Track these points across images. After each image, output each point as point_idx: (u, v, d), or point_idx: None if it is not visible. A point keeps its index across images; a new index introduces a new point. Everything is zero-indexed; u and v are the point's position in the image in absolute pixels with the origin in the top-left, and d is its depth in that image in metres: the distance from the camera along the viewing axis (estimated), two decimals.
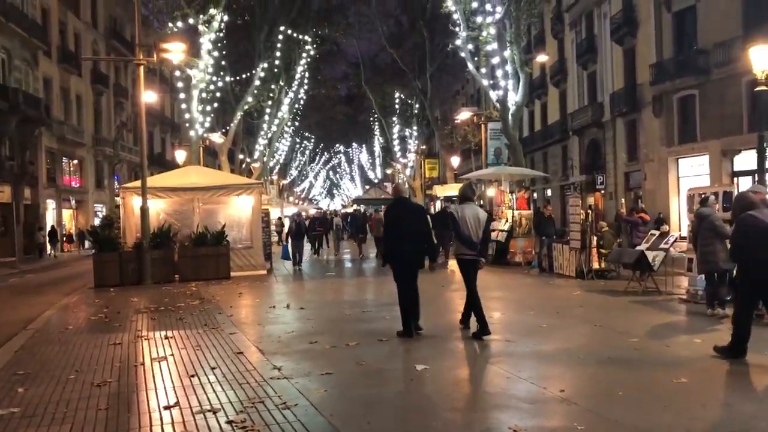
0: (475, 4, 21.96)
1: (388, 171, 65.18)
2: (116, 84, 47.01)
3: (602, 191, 29.05)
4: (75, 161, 40.83)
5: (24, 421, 5.38)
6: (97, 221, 36.04)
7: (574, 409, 5.34)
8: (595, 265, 14.78)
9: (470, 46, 23.33)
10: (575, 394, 5.75)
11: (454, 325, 9.21)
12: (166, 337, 8.82)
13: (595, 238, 14.89)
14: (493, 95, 23.04)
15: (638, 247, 13.18)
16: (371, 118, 50.44)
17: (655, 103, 28.73)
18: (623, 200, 23.17)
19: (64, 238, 37.44)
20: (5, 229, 30.77)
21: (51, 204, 37.25)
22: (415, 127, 43.85)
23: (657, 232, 13.53)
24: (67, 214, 39.98)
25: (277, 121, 36.48)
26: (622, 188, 32.21)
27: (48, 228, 34.99)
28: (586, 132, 36.02)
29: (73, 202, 40.73)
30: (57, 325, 10.53)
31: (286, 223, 29.14)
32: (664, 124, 28.40)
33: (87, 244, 36.67)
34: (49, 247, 34.05)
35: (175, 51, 19.80)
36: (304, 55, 33.96)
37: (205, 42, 25.12)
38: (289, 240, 21.62)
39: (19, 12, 32.61)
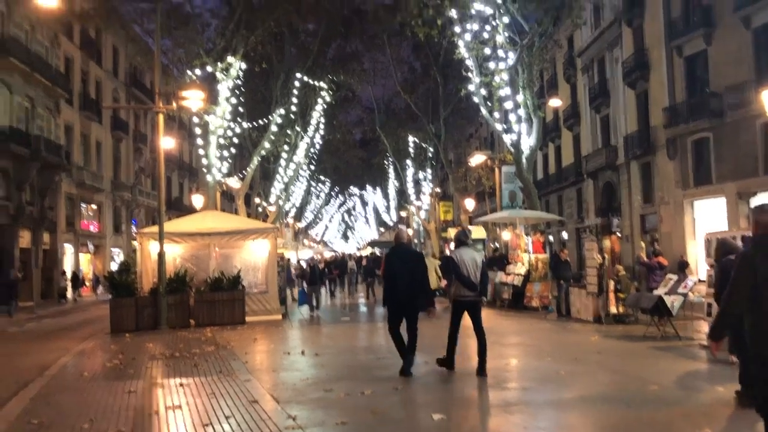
0: (487, 51, 22.27)
1: (403, 214, 65.28)
2: (135, 130, 47.89)
3: (618, 234, 28.91)
4: (93, 206, 41.37)
5: None
6: (114, 266, 36.38)
7: None
8: (613, 310, 14.59)
9: (483, 91, 23.59)
10: None
11: (470, 371, 9.11)
12: (181, 385, 8.79)
13: (612, 282, 14.76)
14: (507, 139, 23.17)
15: (656, 292, 13.04)
16: (386, 162, 50.76)
17: (670, 146, 28.77)
18: (643, 244, 23.00)
19: (84, 284, 37.71)
20: (24, 273, 31.03)
21: (69, 249, 37.63)
22: (429, 170, 44.07)
23: (675, 277, 13.39)
24: (85, 258, 40.33)
25: (293, 166, 36.84)
26: (638, 231, 32.03)
27: (69, 273, 35.34)
28: (600, 175, 36.03)
29: (91, 247, 41.12)
30: (73, 372, 10.54)
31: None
32: (679, 167, 28.37)
33: (100, 288, 36.92)
34: (70, 291, 34.32)
35: (193, 99, 20.17)
36: (320, 101, 34.47)
37: (223, 89, 25.60)
38: (304, 285, 21.42)
39: (44, 62, 33.53)
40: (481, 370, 8.72)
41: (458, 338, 9.15)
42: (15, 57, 30.19)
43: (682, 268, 17.70)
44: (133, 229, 44.47)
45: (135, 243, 27.68)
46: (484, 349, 8.83)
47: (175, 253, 17.63)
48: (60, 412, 7.55)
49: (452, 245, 10.59)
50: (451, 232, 33.82)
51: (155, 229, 17.72)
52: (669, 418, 6.52)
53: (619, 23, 33.23)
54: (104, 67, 43.03)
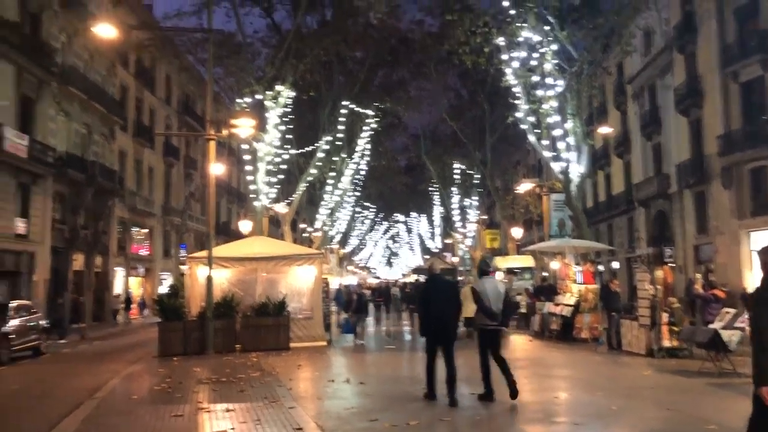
0: (535, 78, 22.16)
1: (448, 241, 64.95)
2: (186, 156, 49.05)
3: (671, 264, 28.12)
4: (144, 230, 42.34)
5: None
6: (163, 289, 37.06)
7: None
8: (666, 343, 14.11)
9: (531, 118, 23.42)
10: None
11: (519, 405, 8.89)
12: (227, 410, 8.81)
13: (665, 314, 14.29)
14: (556, 167, 22.90)
15: (712, 326, 12.56)
16: (431, 188, 50.75)
17: (725, 175, 27.97)
18: (698, 275, 22.29)
19: (132, 306, 38.54)
20: (77, 296, 31.83)
21: (120, 272, 38.51)
22: (475, 197, 43.84)
23: (732, 310, 12.89)
24: (134, 281, 41.21)
25: (338, 192, 37.14)
26: (691, 261, 31.10)
27: (124, 295, 36.32)
28: (652, 203, 35.24)
29: (141, 270, 42.03)
30: (121, 395, 10.68)
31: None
32: (735, 196, 27.52)
33: (146, 311, 37.64)
34: (122, 313, 35.21)
35: (243, 126, 20.56)
36: (366, 128, 34.78)
37: (272, 116, 26.05)
38: (349, 313, 21.30)
39: (101, 90, 34.74)
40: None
41: (490, 366, 9.23)
42: (74, 86, 31.35)
43: (745, 300, 17.00)
44: (182, 253, 45.32)
45: (184, 267, 28.17)
46: (510, 374, 9.05)
47: (223, 278, 17.82)
48: None
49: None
50: (498, 261, 33.49)
51: (204, 253, 17.98)
52: None
53: (671, 50, 32.71)
54: (157, 95, 44.34)
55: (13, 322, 17.53)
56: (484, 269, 9.97)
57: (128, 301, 36.26)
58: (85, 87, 32.50)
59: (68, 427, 8.23)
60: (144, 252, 42.18)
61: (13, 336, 17.20)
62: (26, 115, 28.23)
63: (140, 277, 42.08)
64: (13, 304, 18.97)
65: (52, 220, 30.11)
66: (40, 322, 19.65)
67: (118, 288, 37.35)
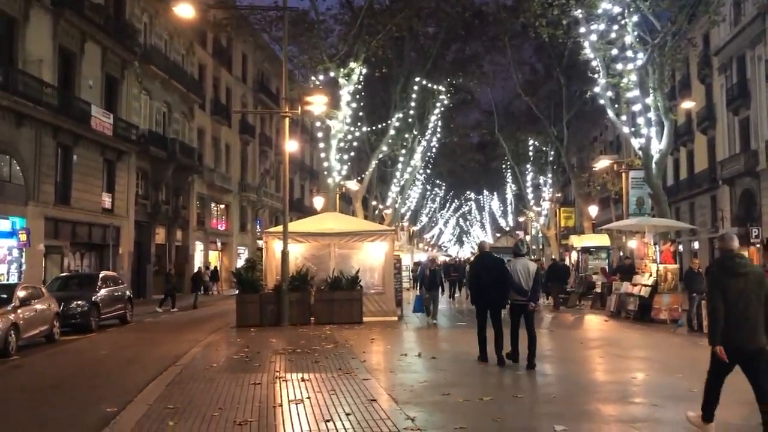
0: (615, 51, 21.38)
1: (521, 219, 64.01)
2: (261, 134, 50.05)
3: (757, 245, 26.81)
4: (222, 206, 43.63)
5: None
6: (239, 263, 38.24)
7: None
8: None
9: (610, 93, 22.66)
10: None
11: (595, 385, 8.75)
12: (303, 380, 9.03)
13: None
14: (635, 143, 22.13)
15: None
16: (504, 166, 49.96)
17: None
18: None
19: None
20: (159, 268, 33.22)
21: (199, 245, 39.88)
22: (549, 175, 42.92)
23: None
24: (213, 255, 42.62)
25: (409, 169, 37.11)
26: None
27: (211, 268, 37.98)
28: (738, 181, 33.62)
29: (219, 244, 43.40)
30: (202, 363, 11.11)
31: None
32: None
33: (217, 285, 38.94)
34: (212, 284, 36.71)
35: (317, 103, 20.78)
36: (438, 104, 34.51)
37: (345, 94, 26.20)
38: (420, 289, 19.97)
39: (180, 69, 35.78)
40: (531, 363, 9.87)
41: (519, 334, 10.34)
42: (155, 65, 32.42)
43: None
44: (258, 228, 46.51)
45: (260, 242, 28.95)
46: (534, 343, 10.04)
47: (297, 252, 18.19)
48: (192, 399, 7.97)
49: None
50: (573, 240, 32.78)
51: (279, 228, 18.38)
52: None
53: (763, 18, 30.86)
54: (234, 74, 45.30)
55: (102, 292, 18.48)
56: (517, 251, 10.84)
57: (216, 273, 37.82)
58: (165, 66, 33.56)
59: (154, 391, 8.64)
60: (221, 227, 43.50)
61: (102, 305, 18.14)
62: (111, 94, 29.45)
63: (218, 251, 43.47)
64: (102, 274, 19.97)
65: (135, 195, 31.43)
66: (126, 292, 20.62)
67: (197, 261, 38.72)
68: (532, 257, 33.84)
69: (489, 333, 10.53)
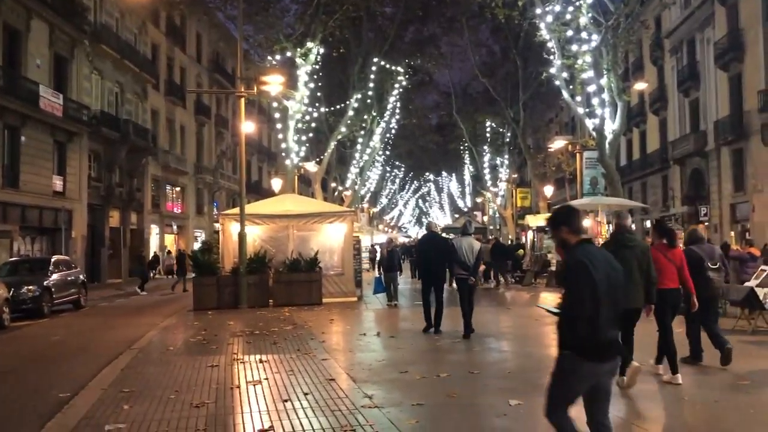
0: (570, 32, 21.61)
1: (478, 200, 64.64)
2: (217, 115, 49.29)
3: (706, 223, 27.67)
4: (177, 188, 42.92)
5: None
6: (196, 246, 37.70)
7: None
8: None
9: (565, 74, 22.93)
10: None
11: (549, 360, 8.92)
12: (261, 361, 9.02)
13: None
14: (589, 123, 22.49)
15: (747, 284, 12.38)
16: (462, 147, 50.28)
17: (765, 131, 27.21)
18: (732, 234, 21.90)
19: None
20: (113, 252, 32.59)
21: (155, 229, 39.22)
22: (506, 156, 43.37)
23: None
24: (169, 238, 41.98)
25: (368, 150, 37.06)
26: (727, 220, 30.54)
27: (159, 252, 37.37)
28: (688, 161, 34.54)
29: (174, 227, 42.75)
30: (158, 346, 10.99)
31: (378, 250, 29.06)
32: None
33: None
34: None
35: (273, 83, 20.52)
36: (397, 85, 34.45)
37: (302, 74, 25.94)
38: (379, 270, 19.66)
39: (132, 48, 34.89)
40: (467, 332, 10.97)
41: (465, 309, 11.20)
42: (106, 44, 31.55)
43: None
44: (215, 210, 45.95)
45: (217, 224, 28.60)
46: (470, 314, 11.11)
47: (255, 235, 18.05)
48: (148, 382, 7.89)
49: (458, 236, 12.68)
50: (528, 219, 33.26)
51: (236, 210, 18.20)
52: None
53: (712, 2, 31.59)
54: (188, 53, 44.40)
55: (54, 277, 18.06)
56: (464, 231, 11.91)
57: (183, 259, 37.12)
58: (117, 45, 32.70)
59: (108, 375, 8.51)
60: (177, 209, 42.83)
61: (54, 289, 17.74)
62: (61, 74, 28.58)
63: (174, 234, 42.83)
64: (54, 259, 19.50)
65: (88, 177, 30.69)
66: (80, 277, 20.19)
67: (153, 245, 38.08)
68: (490, 237, 34.29)
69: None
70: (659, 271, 7.30)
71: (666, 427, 6.18)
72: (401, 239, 66.94)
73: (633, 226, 19.42)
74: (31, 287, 16.94)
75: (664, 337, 7.64)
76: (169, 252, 36.98)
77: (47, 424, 6.33)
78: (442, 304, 11.73)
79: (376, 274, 21.57)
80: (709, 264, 8.22)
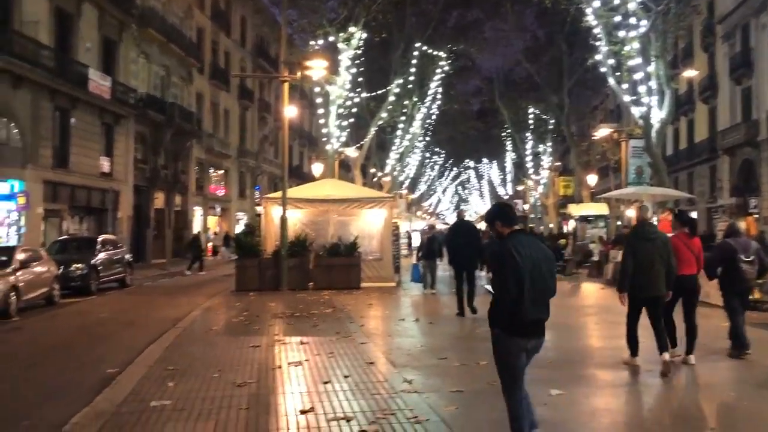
0: (618, 18, 21.13)
1: (520, 188, 64.00)
2: (260, 99, 49.70)
3: (756, 215, 26.91)
4: (221, 171, 43.53)
5: (174, 414, 5.76)
6: (238, 228, 38.28)
7: None
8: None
9: (611, 61, 22.46)
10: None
11: (590, 350, 8.86)
12: (302, 343, 9.13)
13: None
14: (636, 111, 22.00)
15: None
16: (503, 134, 49.77)
17: None
18: None
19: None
20: (158, 233, 33.28)
21: (198, 211, 39.89)
22: (549, 143, 42.81)
23: None
24: (212, 220, 42.67)
25: (409, 136, 36.96)
26: None
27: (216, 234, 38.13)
28: (738, 151, 33.55)
29: (218, 210, 43.42)
30: (202, 326, 11.22)
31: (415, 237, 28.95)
32: None
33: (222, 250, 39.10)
34: (224, 250, 36.66)
35: (316, 68, 20.59)
36: (438, 71, 34.22)
37: (344, 59, 25.97)
38: (418, 258, 18.51)
39: (178, 32, 35.35)
40: (471, 308, 11.89)
41: (462, 294, 12.15)
42: (153, 28, 32.01)
43: None
44: (257, 194, 46.50)
45: (259, 208, 28.98)
46: (473, 296, 11.97)
47: (296, 219, 18.21)
48: (192, 361, 8.07)
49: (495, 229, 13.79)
50: (571, 208, 32.84)
51: (278, 194, 18.38)
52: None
53: None
54: (233, 38, 44.80)
55: (101, 256, 18.54)
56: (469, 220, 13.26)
57: (227, 238, 37.62)
58: (163, 29, 33.14)
59: (154, 353, 8.74)
60: (220, 192, 43.46)
61: (101, 268, 18.22)
62: (108, 57, 29.14)
63: (217, 217, 43.50)
64: (101, 238, 20.01)
65: (134, 159, 31.32)
66: (125, 256, 20.69)
67: (196, 227, 38.76)
68: (531, 226, 33.95)
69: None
70: (679, 259, 7.75)
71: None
72: (439, 226, 66.71)
73: (654, 219, 19.14)
74: (79, 265, 17.44)
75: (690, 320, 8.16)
76: (215, 233, 37.72)
77: (96, 398, 6.53)
78: (474, 288, 12.21)
79: (413, 261, 20.87)
80: (742, 257, 8.36)
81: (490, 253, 5.03)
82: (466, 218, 13.36)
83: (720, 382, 7.43)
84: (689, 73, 29.92)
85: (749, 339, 8.41)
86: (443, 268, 17.91)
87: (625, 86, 22.08)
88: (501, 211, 4.88)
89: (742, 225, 14.38)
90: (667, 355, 7.42)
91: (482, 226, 18.05)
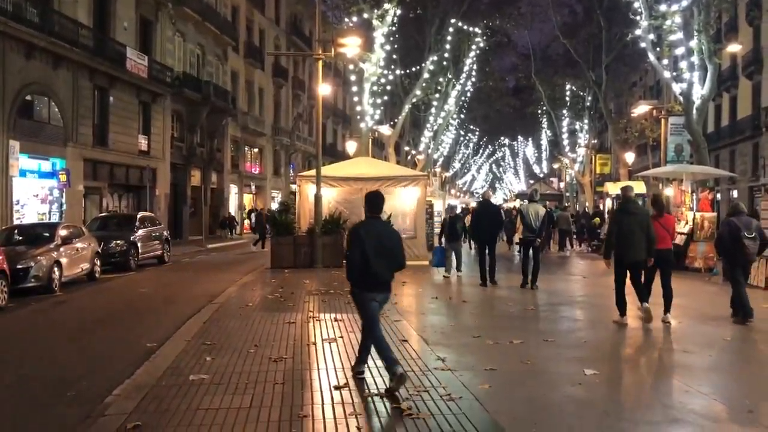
0: None
1: (555, 165, 63.21)
2: (294, 77, 49.78)
3: None
4: (255, 149, 43.87)
5: (212, 387, 5.89)
6: (273, 206, 38.62)
7: None
8: None
9: (652, 36, 21.91)
10: (766, 414, 5.23)
11: (626, 330, 8.78)
12: (336, 320, 9.23)
13: None
14: (676, 88, 21.48)
15: None
16: (539, 111, 49.04)
17: None
18: None
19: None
20: (195, 210, 33.78)
21: (233, 188, 40.34)
22: (586, 121, 42.07)
23: None
24: (247, 198, 43.13)
25: (443, 114, 36.70)
26: None
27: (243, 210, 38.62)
28: None
29: (253, 188, 43.85)
30: (238, 302, 11.39)
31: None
32: None
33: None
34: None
35: (350, 45, 20.51)
36: (474, 47, 33.81)
37: (378, 36, 25.81)
38: (441, 240, 17.33)
39: (213, 11, 35.52)
40: (533, 284, 12.74)
41: (528, 266, 12.83)
42: (189, 6, 32.21)
43: None
44: (291, 172, 46.79)
45: (293, 185, 29.13)
46: (537, 271, 12.84)
47: (330, 197, 18.31)
48: (229, 336, 8.22)
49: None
50: (608, 187, 32.34)
51: (312, 172, 18.47)
52: None
53: None
54: (267, 16, 44.83)
55: (140, 232, 18.92)
56: (531, 198, 13.97)
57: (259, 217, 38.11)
58: (199, 8, 33.34)
59: (192, 328, 8.92)
60: (255, 170, 43.84)
61: (140, 244, 18.60)
62: (145, 36, 29.47)
63: (252, 194, 43.95)
64: (140, 215, 20.40)
65: (171, 137, 31.75)
66: (164, 233, 21.07)
67: (232, 204, 39.22)
68: (566, 204, 33.49)
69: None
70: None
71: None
72: (473, 204, 66.32)
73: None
74: (119, 242, 17.84)
75: (649, 283, 9.51)
76: (252, 211, 38.12)
77: (136, 371, 6.71)
78: (494, 260, 13.51)
79: (436, 243, 19.01)
80: (745, 233, 9.24)
81: (348, 232, 6.35)
82: (492, 200, 14.82)
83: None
84: (733, 48, 29.01)
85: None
86: (465, 252, 17.96)
87: (665, 62, 21.57)
88: (368, 200, 6.12)
89: None
90: (646, 305, 8.95)
91: (510, 204, 18.60)
